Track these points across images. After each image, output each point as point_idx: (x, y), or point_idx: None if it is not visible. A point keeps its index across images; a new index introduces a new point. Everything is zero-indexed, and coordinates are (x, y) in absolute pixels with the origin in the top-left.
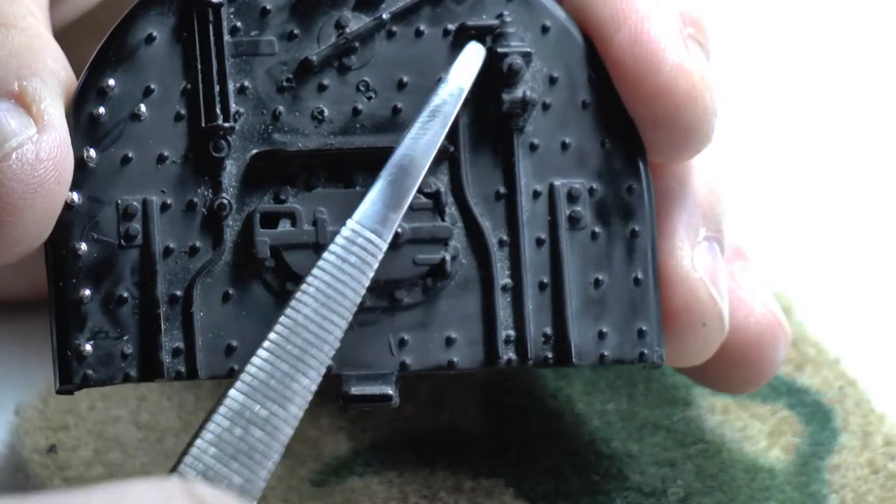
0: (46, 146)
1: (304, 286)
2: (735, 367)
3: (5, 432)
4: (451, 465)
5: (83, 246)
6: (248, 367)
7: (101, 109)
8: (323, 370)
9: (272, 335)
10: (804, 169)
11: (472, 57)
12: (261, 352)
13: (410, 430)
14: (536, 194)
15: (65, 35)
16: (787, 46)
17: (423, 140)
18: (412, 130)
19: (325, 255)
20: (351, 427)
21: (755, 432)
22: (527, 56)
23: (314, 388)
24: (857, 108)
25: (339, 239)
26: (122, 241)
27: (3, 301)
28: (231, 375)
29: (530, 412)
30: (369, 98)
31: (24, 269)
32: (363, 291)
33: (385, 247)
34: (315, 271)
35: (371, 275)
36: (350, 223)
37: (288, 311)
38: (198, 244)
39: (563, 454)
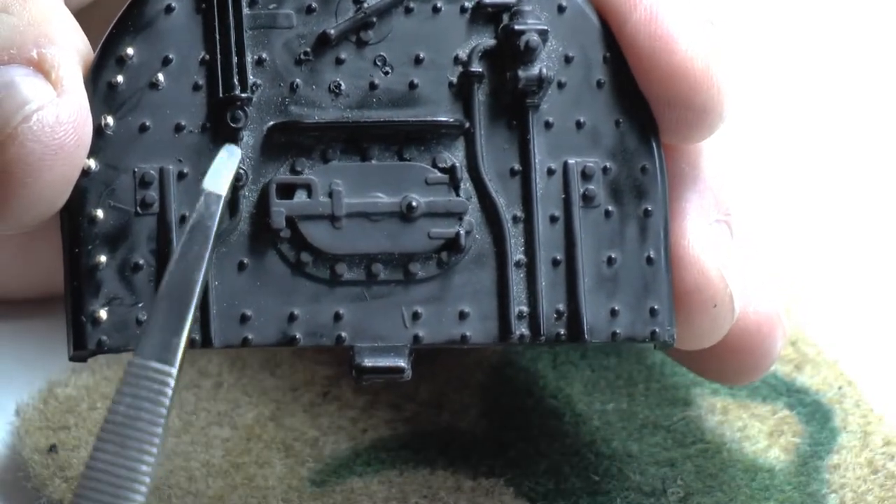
0: (66, 110)
1: (101, 431)
2: (732, 356)
3: (5, 432)
4: (451, 465)
5: (99, 213)
6: None
7: (120, 78)
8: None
9: (80, 485)
10: (804, 170)
11: (226, 160)
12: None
13: (410, 430)
14: (551, 172)
15: (79, 17)
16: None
17: (189, 258)
18: (177, 252)
19: (116, 396)
20: (351, 427)
21: (755, 432)
22: (543, 34)
23: None
24: (854, 107)
25: (126, 378)
26: (138, 208)
27: (3, 301)
28: (245, 345)
29: (530, 412)
30: (386, 73)
31: (24, 268)
32: (163, 421)
33: (175, 371)
34: (109, 415)
35: (168, 402)
36: (133, 359)
37: (90, 460)
38: None
39: (563, 454)
